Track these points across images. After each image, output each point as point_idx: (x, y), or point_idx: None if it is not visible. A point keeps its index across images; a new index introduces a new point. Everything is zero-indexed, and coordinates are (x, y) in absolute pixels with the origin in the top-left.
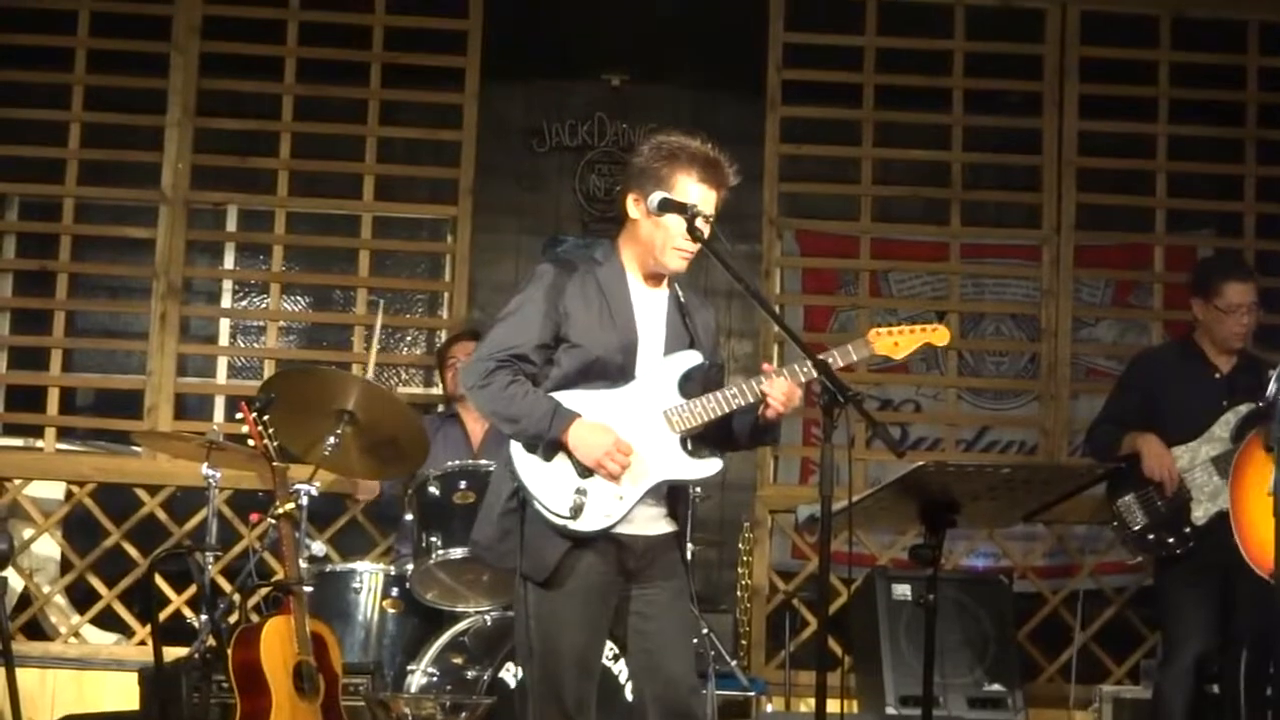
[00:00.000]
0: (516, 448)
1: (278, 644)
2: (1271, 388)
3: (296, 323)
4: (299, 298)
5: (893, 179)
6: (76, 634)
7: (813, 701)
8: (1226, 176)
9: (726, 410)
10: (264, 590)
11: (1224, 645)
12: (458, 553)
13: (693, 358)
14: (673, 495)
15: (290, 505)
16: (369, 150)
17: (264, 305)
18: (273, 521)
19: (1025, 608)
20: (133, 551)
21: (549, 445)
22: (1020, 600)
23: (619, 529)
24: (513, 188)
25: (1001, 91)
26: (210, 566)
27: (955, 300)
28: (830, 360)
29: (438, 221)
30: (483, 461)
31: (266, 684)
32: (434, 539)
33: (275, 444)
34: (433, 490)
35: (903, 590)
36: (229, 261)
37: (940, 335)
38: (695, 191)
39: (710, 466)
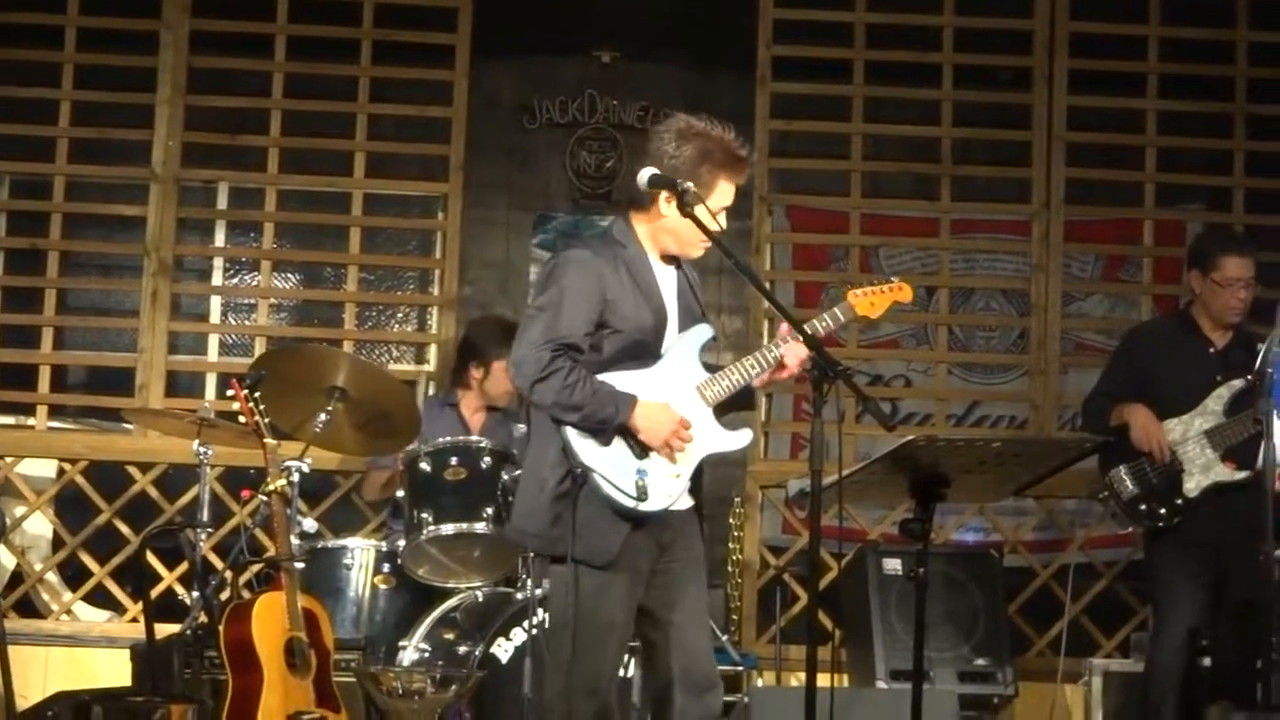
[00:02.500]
0: (573, 434)
1: (269, 620)
2: (1260, 360)
3: (287, 300)
4: (290, 275)
5: (883, 154)
6: (68, 611)
7: (803, 676)
8: (1216, 151)
9: (749, 379)
10: (256, 567)
11: (1215, 618)
12: (449, 529)
13: (706, 331)
14: (696, 468)
15: (282, 482)
16: (359, 127)
17: (255, 282)
18: (264, 498)
19: (1015, 582)
20: (124, 529)
21: (615, 430)
22: (1010, 574)
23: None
24: (503, 164)
25: (991, 67)
26: (202, 543)
27: (945, 275)
28: (823, 325)
29: (428, 198)
30: (474, 438)
31: (258, 660)
32: (425, 515)
33: (267, 420)
34: (424, 466)
35: (893, 565)
36: (220, 239)
37: (905, 293)
38: (728, 191)
39: (744, 437)
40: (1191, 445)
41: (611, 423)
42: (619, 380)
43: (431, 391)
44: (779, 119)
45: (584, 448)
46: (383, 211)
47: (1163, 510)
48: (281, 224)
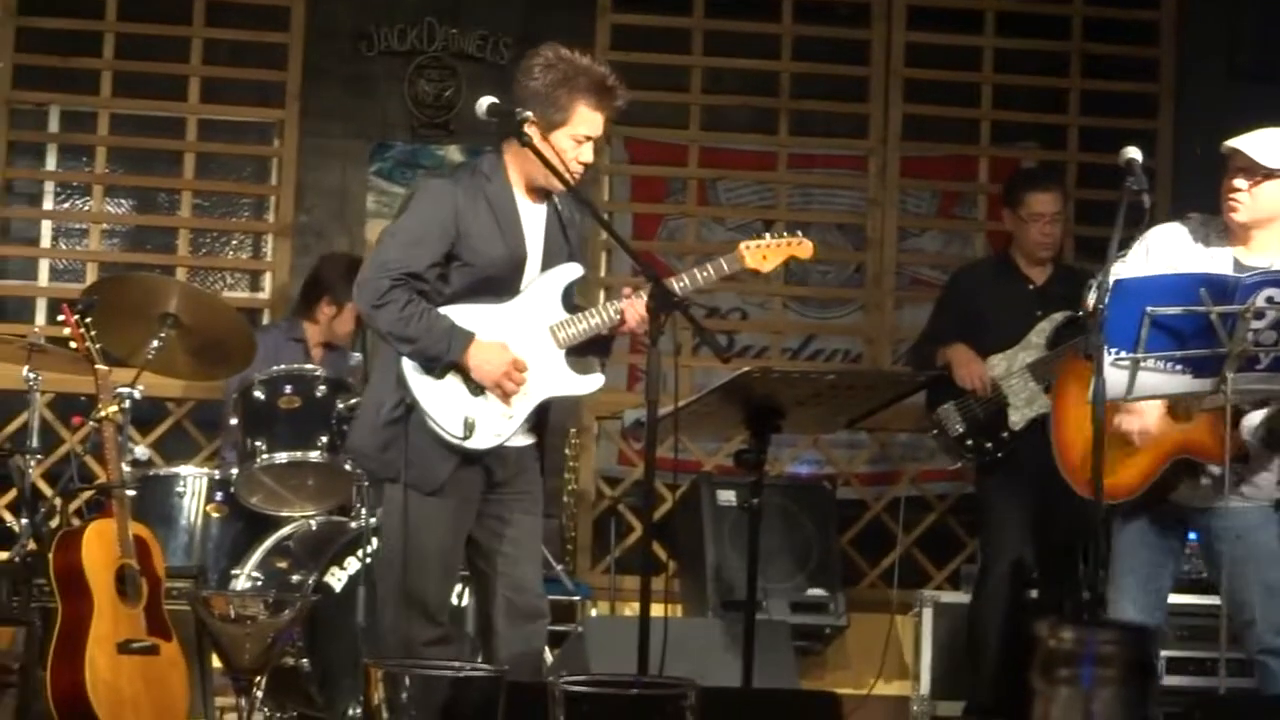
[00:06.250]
0: (409, 364)
1: (99, 548)
2: (1090, 296)
3: (120, 225)
4: (122, 200)
5: (722, 88)
6: None
7: (637, 606)
8: (1051, 90)
9: (608, 326)
10: (86, 494)
11: (1042, 551)
12: (282, 457)
13: (574, 270)
14: (540, 406)
15: (113, 408)
16: (194, 52)
17: (87, 207)
18: (95, 425)
19: (848, 514)
20: None
21: (446, 366)
22: (843, 506)
23: None
24: (340, 92)
25: (830, 2)
26: (31, 470)
27: (783, 209)
28: (704, 275)
29: (264, 125)
30: (309, 366)
31: (88, 588)
32: (259, 443)
33: (98, 347)
34: (258, 394)
35: (727, 496)
36: (51, 163)
37: (804, 249)
38: (591, 119)
39: (594, 382)
40: (1015, 379)
41: (443, 359)
42: (466, 314)
43: (267, 320)
44: (618, 51)
45: (417, 379)
46: (217, 137)
47: (989, 444)
48: (114, 149)
